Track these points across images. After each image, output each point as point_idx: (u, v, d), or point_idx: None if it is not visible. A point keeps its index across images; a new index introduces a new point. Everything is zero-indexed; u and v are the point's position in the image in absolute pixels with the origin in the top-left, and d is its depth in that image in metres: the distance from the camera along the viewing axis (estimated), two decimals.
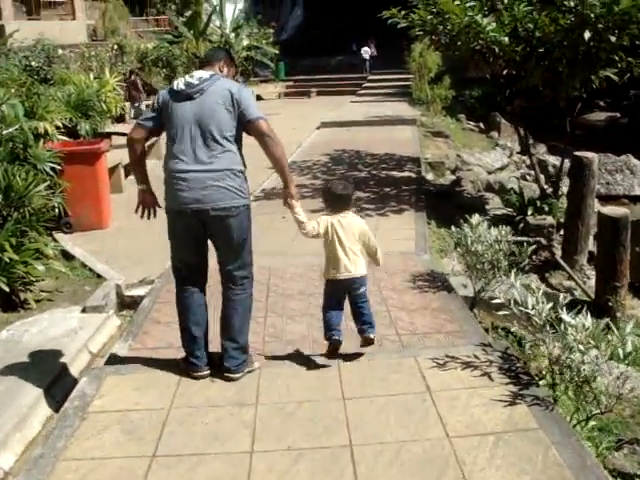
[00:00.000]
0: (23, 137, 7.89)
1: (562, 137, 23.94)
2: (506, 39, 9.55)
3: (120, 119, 19.66)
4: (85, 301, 6.41)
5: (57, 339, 5.40)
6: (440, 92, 18.15)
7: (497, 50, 9.46)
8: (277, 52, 25.96)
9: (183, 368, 4.38)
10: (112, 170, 10.86)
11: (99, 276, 7.19)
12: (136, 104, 21.80)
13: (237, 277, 4.30)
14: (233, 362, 4.27)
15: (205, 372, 4.32)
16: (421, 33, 10.72)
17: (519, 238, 9.90)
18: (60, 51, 14.61)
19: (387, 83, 27.79)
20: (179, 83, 4.18)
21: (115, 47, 24.35)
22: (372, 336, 4.40)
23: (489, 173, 14.83)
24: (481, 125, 21.04)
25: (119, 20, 28.91)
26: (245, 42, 24.10)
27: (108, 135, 14.30)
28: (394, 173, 11.77)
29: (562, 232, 10.11)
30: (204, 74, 4.19)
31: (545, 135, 22.60)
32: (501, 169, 15.45)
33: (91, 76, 13.57)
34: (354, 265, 4.29)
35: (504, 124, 20.68)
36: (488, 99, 22.78)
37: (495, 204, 11.69)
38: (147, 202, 4.52)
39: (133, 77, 22.97)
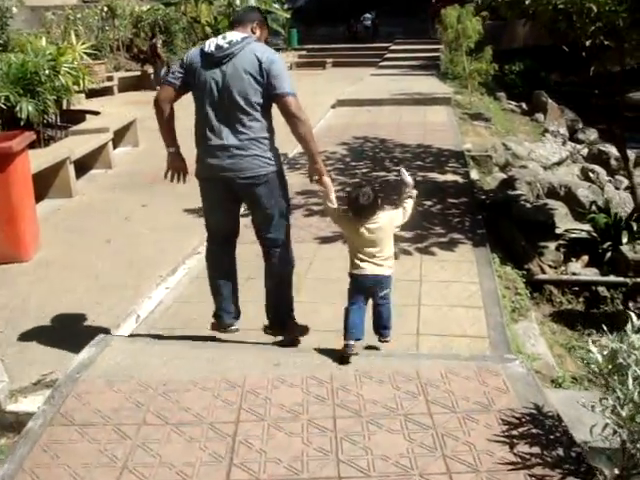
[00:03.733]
0: None
1: (608, 119, 21.21)
2: None
3: (99, 93, 16.99)
4: None
5: None
6: (480, 66, 15.13)
7: (595, 10, 6.54)
8: (289, 16, 22.83)
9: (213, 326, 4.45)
10: (56, 168, 8.09)
11: None
12: (158, 70, 19.66)
13: (271, 240, 4.28)
14: (275, 322, 4.41)
15: (234, 327, 4.40)
16: None
17: (610, 278, 7.15)
18: (14, 9, 11.65)
19: (412, 54, 24.75)
20: (210, 44, 4.00)
21: (105, 9, 21.44)
22: (388, 339, 4.27)
23: (545, 169, 11.95)
24: (523, 105, 18.03)
25: None
26: (252, 3, 21.01)
27: (77, 114, 11.68)
28: (434, 175, 8.86)
29: None
30: (235, 36, 4.00)
31: (586, 116, 19.68)
32: (558, 164, 12.53)
33: (43, 41, 10.68)
34: (378, 266, 4.09)
35: (551, 105, 17.70)
36: (530, 75, 19.80)
37: (563, 217, 8.86)
38: (176, 166, 4.33)
39: (154, 40, 20.28)
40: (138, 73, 20.44)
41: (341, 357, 3.97)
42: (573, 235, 7.89)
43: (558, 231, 8.24)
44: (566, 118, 18.05)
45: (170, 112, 4.14)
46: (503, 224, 7.76)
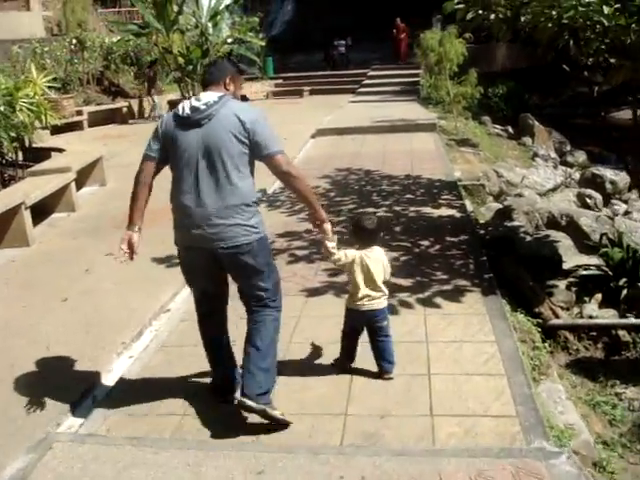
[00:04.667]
0: None
1: (589, 138, 20.75)
2: (606, 9, 5.99)
3: (67, 128, 16.26)
4: None
5: None
6: (465, 90, 14.51)
7: (605, 24, 5.86)
8: (263, 44, 22.22)
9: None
10: (10, 214, 7.30)
11: None
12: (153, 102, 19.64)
13: (258, 300, 3.86)
14: (253, 387, 3.64)
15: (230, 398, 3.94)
16: (462, 6, 7.16)
17: (632, 321, 6.42)
18: None
19: (390, 80, 24.25)
20: (184, 107, 3.76)
21: (74, 42, 20.68)
22: (391, 375, 4.20)
23: (540, 196, 11.29)
24: (509, 129, 17.47)
25: (84, 12, 25.25)
26: (226, 33, 20.34)
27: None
28: (427, 210, 8.09)
29: None
30: (212, 97, 3.75)
31: (571, 137, 19.21)
32: (553, 190, 11.87)
33: None
34: (376, 299, 4.12)
35: (538, 128, 17.17)
36: (514, 98, 19.31)
37: (568, 250, 8.15)
38: (130, 245, 3.88)
39: (149, 70, 19.67)
40: (109, 106, 19.70)
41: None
42: (584, 272, 7.16)
43: (565, 266, 7.56)
44: (553, 140, 17.52)
45: (149, 191, 3.87)
46: (507, 262, 7.03)
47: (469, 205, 9.03)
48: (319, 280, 5.85)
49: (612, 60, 6.93)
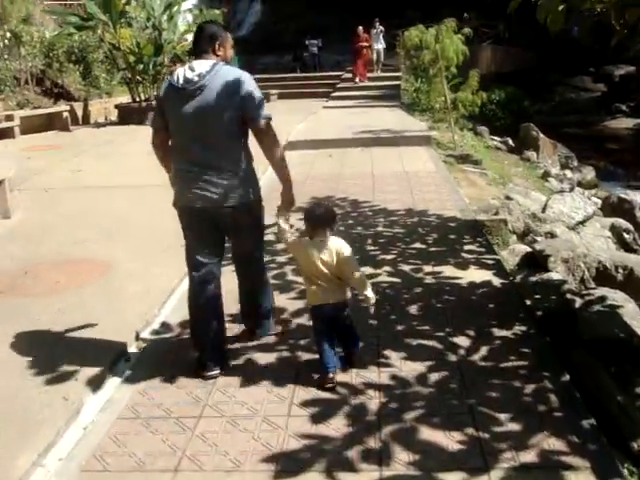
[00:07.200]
0: None
1: (588, 149, 18.61)
2: None
3: None
4: None
5: None
6: (466, 95, 12.16)
7: None
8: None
9: (194, 368, 4.12)
10: None
11: None
12: None
13: (250, 258, 4.29)
14: (258, 327, 4.43)
15: (215, 372, 4.05)
16: None
17: None
18: None
19: (369, 83, 22.02)
20: (179, 78, 3.89)
21: (8, 35, 17.99)
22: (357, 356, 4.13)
23: (569, 229, 8.93)
24: (509, 141, 15.17)
25: (26, 3, 22.52)
26: (182, 28, 17.77)
27: None
28: (450, 272, 5.51)
29: None
30: (204, 66, 3.87)
31: (567, 147, 17.11)
32: (583, 222, 9.50)
33: None
34: (328, 292, 3.91)
35: (543, 140, 14.88)
36: (513, 105, 17.04)
37: (633, 319, 5.78)
38: None
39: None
40: (47, 111, 16.99)
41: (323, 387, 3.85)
42: None
43: None
44: (559, 155, 15.27)
45: (167, 151, 4.08)
46: (579, 360, 4.63)
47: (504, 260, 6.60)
48: (295, 431, 3.35)
49: None
